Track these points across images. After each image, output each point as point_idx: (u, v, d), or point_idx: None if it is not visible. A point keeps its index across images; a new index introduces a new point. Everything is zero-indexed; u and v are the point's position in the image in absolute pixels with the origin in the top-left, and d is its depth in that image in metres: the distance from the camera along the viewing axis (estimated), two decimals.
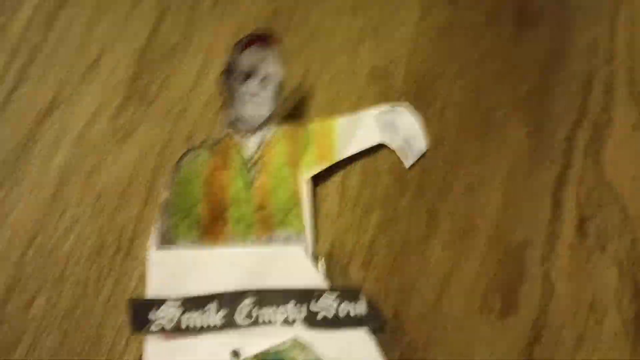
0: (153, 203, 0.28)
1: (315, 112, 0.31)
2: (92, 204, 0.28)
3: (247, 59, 0.28)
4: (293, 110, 0.31)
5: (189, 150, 0.29)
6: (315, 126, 0.30)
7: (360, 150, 0.29)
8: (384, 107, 0.31)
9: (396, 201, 0.29)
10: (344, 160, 0.29)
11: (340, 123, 0.30)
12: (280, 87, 0.29)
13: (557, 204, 0.29)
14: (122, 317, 0.26)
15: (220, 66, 0.31)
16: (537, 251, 0.28)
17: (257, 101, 0.29)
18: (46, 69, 0.32)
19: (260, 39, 0.28)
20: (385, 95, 0.32)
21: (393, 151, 0.30)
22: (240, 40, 0.28)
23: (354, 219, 0.29)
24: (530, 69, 0.33)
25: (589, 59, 0.34)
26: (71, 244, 0.27)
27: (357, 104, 0.31)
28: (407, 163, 0.30)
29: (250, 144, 0.29)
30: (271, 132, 0.29)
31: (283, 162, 0.29)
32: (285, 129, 0.30)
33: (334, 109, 0.31)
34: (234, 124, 0.29)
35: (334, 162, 0.29)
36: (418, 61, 0.33)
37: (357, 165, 0.30)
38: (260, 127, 0.29)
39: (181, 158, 0.29)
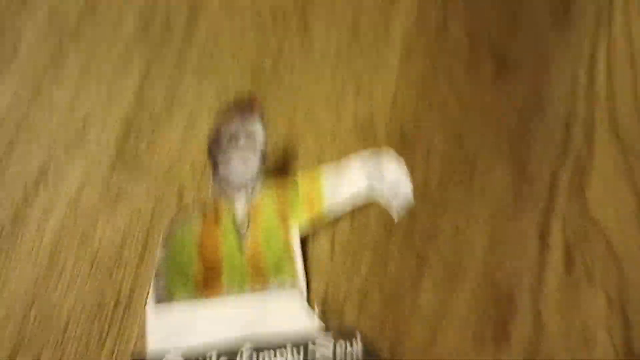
0: (149, 260, 0.34)
1: (302, 166, 0.38)
2: (89, 264, 0.34)
3: (232, 125, 0.34)
4: (280, 165, 0.37)
5: (180, 214, 0.35)
6: (303, 181, 0.36)
7: (349, 202, 0.35)
8: (368, 157, 0.37)
9: (385, 246, 0.35)
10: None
11: (328, 176, 0.36)
12: (265, 147, 0.35)
13: (543, 240, 0.35)
14: None
15: (205, 127, 0.38)
16: (526, 286, 0.34)
17: (243, 163, 0.34)
18: (34, 139, 0.39)
19: (243, 105, 0.34)
20: (369, 145, 0.38)
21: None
22: (224, 108, 0.34)
23: (346, 265, 0.34)
24: (511, 112, 0.40)
25: (569, 99, 0.41)
26: (71, 302, 0.33)
27: (342, 155, 0.37)
28: (395, 214, 0.36)
29: (239, 204, 0.35)
30: (259, 190, 0.35)
31: (272, 216, 0.35)
32: (272, 185, 0.35)
33: (320, 161, 0.38)
34: (222, 186, 0.35)
35: (323, 214, 0.35)
36: (400, 111, 0.40)
37: (346, 214, 0.36)
38: (247, 186, 0.35)
39: (173, 221, 0.35)
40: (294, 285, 0.33)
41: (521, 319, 0.33)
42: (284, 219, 0.35)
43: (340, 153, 0.38)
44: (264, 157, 0.34)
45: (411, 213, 0.36)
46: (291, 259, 0.34)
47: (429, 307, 0.33)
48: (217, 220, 0.35)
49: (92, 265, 0.34)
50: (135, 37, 0.43)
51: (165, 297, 0.32)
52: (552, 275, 0.34)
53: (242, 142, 0.34)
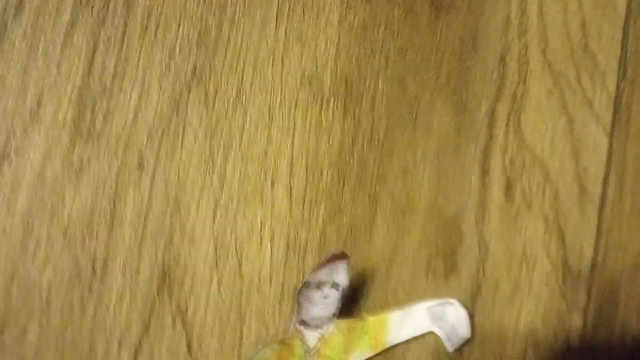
0: (118, 227, 0.37)
1: (255, 122, 0.41)
2: (62, 236, 0.37)
3: (320, 274, 0.37)
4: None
5: (261, 347, 0.37)
6: (371, 320, 0.38)
7: (410, 337, 0.38)
8: (435, 301, 0.38)
9: (340, 192, 0.39)
10: (286, 161, 0.39)
11: (394, 316, 0.38)
12: (345, 293, 0.37)
13: (485, 172, 0.39)
14: (109, 330, 0.35)
15: (157, 94, 0.41)
16: (470, 216, 0.38)
17: (324, 308, 0.38)
18: None
19: (336, 257, 0.37)
20: (318, 97, 0.42)
21: (332, 147, 0.40)
22: (323, 260, 0.36)
23: (304, 214, 0.38)
24: (449, 52, 0.43)
25: (503, 35, 0.44)
26: (50, 274, 0.36)
27: (291, 109, 0.41)
28: (451, 348, 0.38)
29: (312, 336, 0.38)
30: (332, 325, 0.38)
31: (339, 349, 0.38)
32: (344, 322, 0.38)
33: (272, 116, 0.41)
34: (303, 322, 0.38)
35: (384, 348, 0.38)
36: (344, 61, 0.43)
37: (301, 165, 0.40)
38: (324, 323, 0.38)
39: (256, 352, 0.37)
40: None
41: (468, 249, 0.37)
42: (348, 352, 0.38)
43: (290, 107, 0.41)
44: (344, 301, 0.37)
45: (361, 158, 0.40)
46: None
47: (384, 244, 0.37)
48: (291, 349, 0.38)
49: (65, 237, 0.37)
50: (77, 9, 0.45)
51: None
52: (494, 205, 0.38)
53: (326, 289, 0.37)
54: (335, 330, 0.38)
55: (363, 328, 0.38)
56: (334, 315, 0.37)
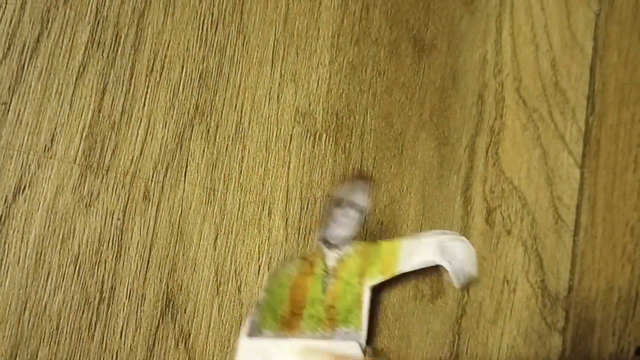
0: (124, 255, 0.36)
1: (253, 156, 0.40)
2: (72, 265, 0.35)
3: (344, 190, 0.37)
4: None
5: (286, 260, 0.37)
6: (384, 245, 0.37)
7: (419, 267, 0.37)
8: (446, 235, 0.38)
9: None
10: (282, 191, 0.38)
11: (406, 244, 0.37)
12: (365, 215, 0.37)
13: (466, 201, 0.38)
14: (116, 354, 0.33)
15: (161, 130, 0.39)
16: None
17: (345, 223, 0.37)
18: (7, 156, 0.39)
19: (361, 177, 0.37)
20: (311, 132, 0.40)
21: (324, 178, 0.38)
22: (349, 178, 0.37)
23: (299, 241, 0.37)
24: (430, 91, 0.42)
25: (480, 74, 0.43)
26: (60, 301, 0.34)
27: (287, 143, 0.39)
28: (458, 284, 0.37)
29: (332, 256, 0.37)
30: (350, 248, 0.37)
31: (354, 272, 0.36)
32: (361, 245, 0.37)
33: (268, 149, 0.40)
34: (324, 239, 0.37)
35: (394, 275, 0.36)
36: (335, 98, 0.42)
37: (296, 195, 0.38)
38: (343, 243, 0.37)
39: (280, 266, 0.37)
40: (356, 335, 0.35)
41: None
42: (362, 276, 0.36)
43: (285, 141, 0.40)
44: (363, 224, 0.37)
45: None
46: (359, 313, 0.36)
47: None
48: (313, 266, 0.37)
49: (75, 266, 0.35)
50: (89, 52, 0.44)
51: (255, 332, 0.35)
52: (476, 231, 0.37)
53: (347, 208, 0.37)
54: (352, 252, 0.36)
55: (376, 252, 0.37)
56: (352, 237, 0.36)
